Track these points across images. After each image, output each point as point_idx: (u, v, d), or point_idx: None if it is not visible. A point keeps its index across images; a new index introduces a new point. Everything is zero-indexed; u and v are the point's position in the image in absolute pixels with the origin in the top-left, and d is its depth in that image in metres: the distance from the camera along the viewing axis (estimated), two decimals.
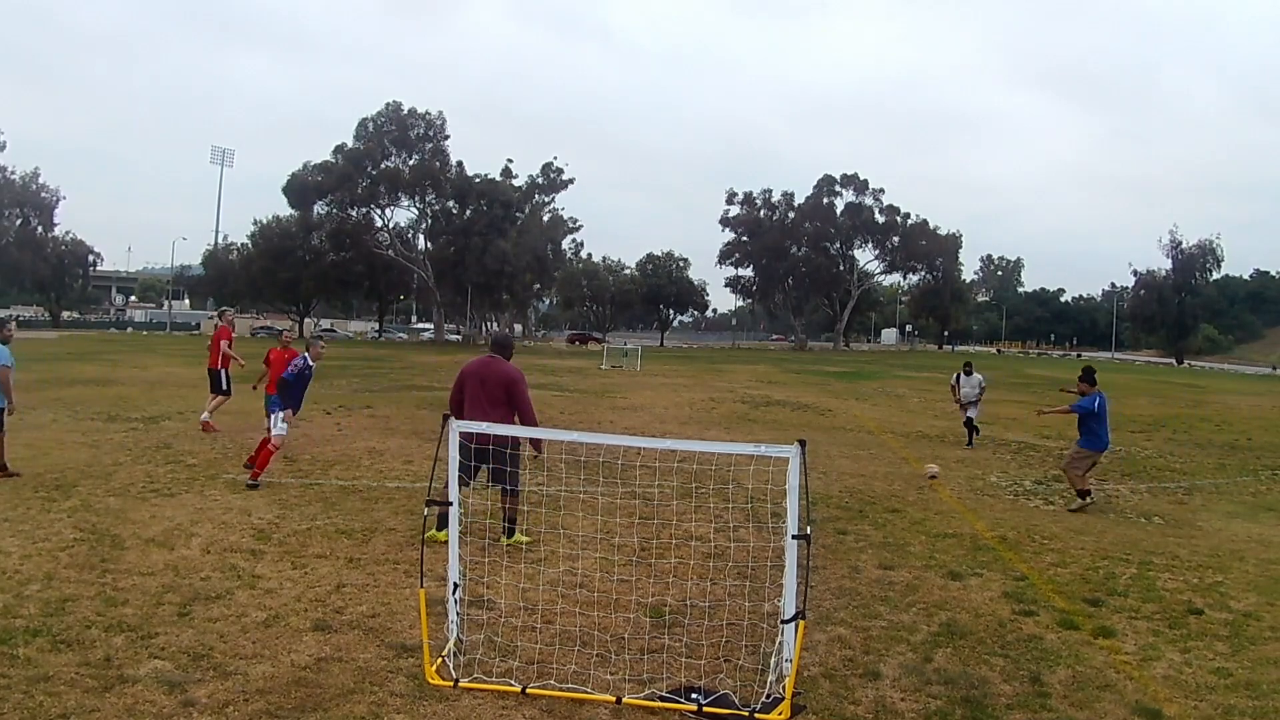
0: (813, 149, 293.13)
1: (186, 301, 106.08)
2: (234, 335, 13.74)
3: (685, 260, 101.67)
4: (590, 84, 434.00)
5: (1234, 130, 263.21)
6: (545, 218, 76.91)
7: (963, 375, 15.97)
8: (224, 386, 13.15)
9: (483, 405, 6.92)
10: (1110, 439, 10.51)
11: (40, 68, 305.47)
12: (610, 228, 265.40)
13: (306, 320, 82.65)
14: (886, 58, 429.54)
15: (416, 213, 72.27)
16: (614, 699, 4.30)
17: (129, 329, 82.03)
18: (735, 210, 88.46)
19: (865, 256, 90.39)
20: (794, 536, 4.38)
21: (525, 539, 7.10)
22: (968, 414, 15.65)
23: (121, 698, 4.10)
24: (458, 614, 4.85)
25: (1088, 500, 9.91)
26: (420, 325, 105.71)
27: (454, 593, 4.82)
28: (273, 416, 9.57)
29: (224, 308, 15.51)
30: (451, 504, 4.81)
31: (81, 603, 5.32)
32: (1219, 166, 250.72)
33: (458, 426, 4.97)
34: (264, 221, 77.63)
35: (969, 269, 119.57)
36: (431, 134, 69.84)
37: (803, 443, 4.40)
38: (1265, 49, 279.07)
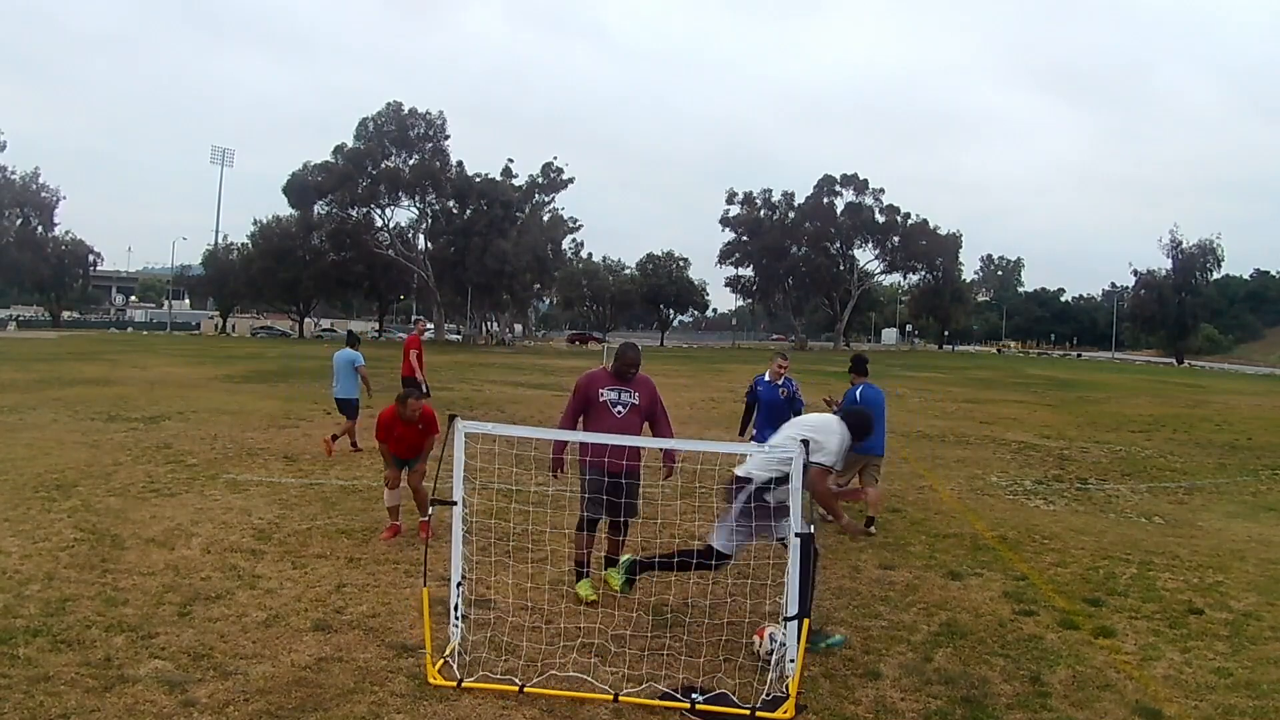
0: (812, 149, 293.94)
1: (186, 301, 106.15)
2: (422, 346, 13.45)
3: (685, 260, 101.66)
4: (590, 83, 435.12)
5: (1234, 130, 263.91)
6: (545, 218, 76.79)
7: None
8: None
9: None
10: (884, 442, 8.57)
11: (40, 68, 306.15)
12: (610, 228, 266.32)
13: (307, 320, 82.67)
14: (886, 57, 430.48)
15: (416, 213, 72.23)
16: (611, 696, 4.30)
17: (129, 329, 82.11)
18: (735, 210, 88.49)
19: (865, 256, 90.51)
20: (794, 534, 4.39)
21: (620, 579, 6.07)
22: None
23: (121, 698, 4.10)
24: (460, 614, 4.85)
25: (870, 530, 7.90)
26: None
27: (457, 592, 4.82)
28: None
29: (418, 316, 15.18)
30: (456, 503, 4.81)
31: (81, 603, 5.33)
32: (1219, 166, 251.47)
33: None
34: (264, 221, 77.67)
35: (969, 269, 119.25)
36: (431, 134, 69.78)
37: (805, 442, 4.41)
38: (1264, 49, 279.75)
